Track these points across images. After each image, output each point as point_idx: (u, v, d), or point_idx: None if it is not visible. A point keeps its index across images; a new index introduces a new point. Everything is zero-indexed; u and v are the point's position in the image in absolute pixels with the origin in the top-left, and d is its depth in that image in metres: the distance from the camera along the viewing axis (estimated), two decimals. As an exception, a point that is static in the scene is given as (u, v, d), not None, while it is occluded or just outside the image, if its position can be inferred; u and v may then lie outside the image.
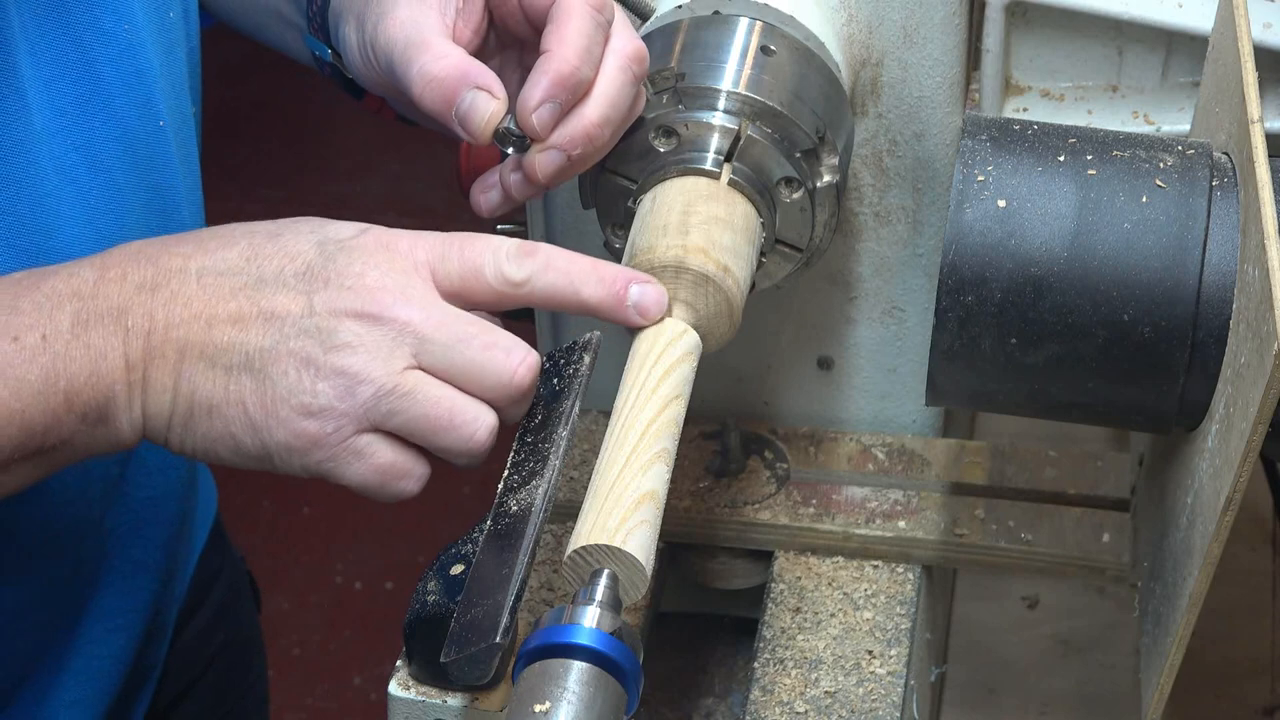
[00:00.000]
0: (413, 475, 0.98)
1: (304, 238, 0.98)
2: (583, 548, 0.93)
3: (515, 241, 0.98)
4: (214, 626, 1.46)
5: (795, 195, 1.11)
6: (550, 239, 1.31)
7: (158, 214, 1.18)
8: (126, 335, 0.95)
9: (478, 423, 0.96)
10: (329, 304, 0.95)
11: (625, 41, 1.05)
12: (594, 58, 1.03)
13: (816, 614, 1.22)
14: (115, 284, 0.95)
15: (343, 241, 0.97)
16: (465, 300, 0.98)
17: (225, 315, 0.95)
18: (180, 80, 1.21)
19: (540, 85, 1.02)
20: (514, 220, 1.32)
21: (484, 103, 1.03)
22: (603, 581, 0.92)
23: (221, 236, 0.98)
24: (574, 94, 1.03)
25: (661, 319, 1.03)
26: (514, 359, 0.97)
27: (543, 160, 1.04)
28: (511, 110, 1.04)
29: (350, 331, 0.94)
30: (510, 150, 1.05)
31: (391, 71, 1.06)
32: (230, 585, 1.49)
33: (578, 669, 0.89)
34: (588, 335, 1.05)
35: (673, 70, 1.09)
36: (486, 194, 1.10)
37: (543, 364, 1.05)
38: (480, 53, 1.10)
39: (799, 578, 1.25)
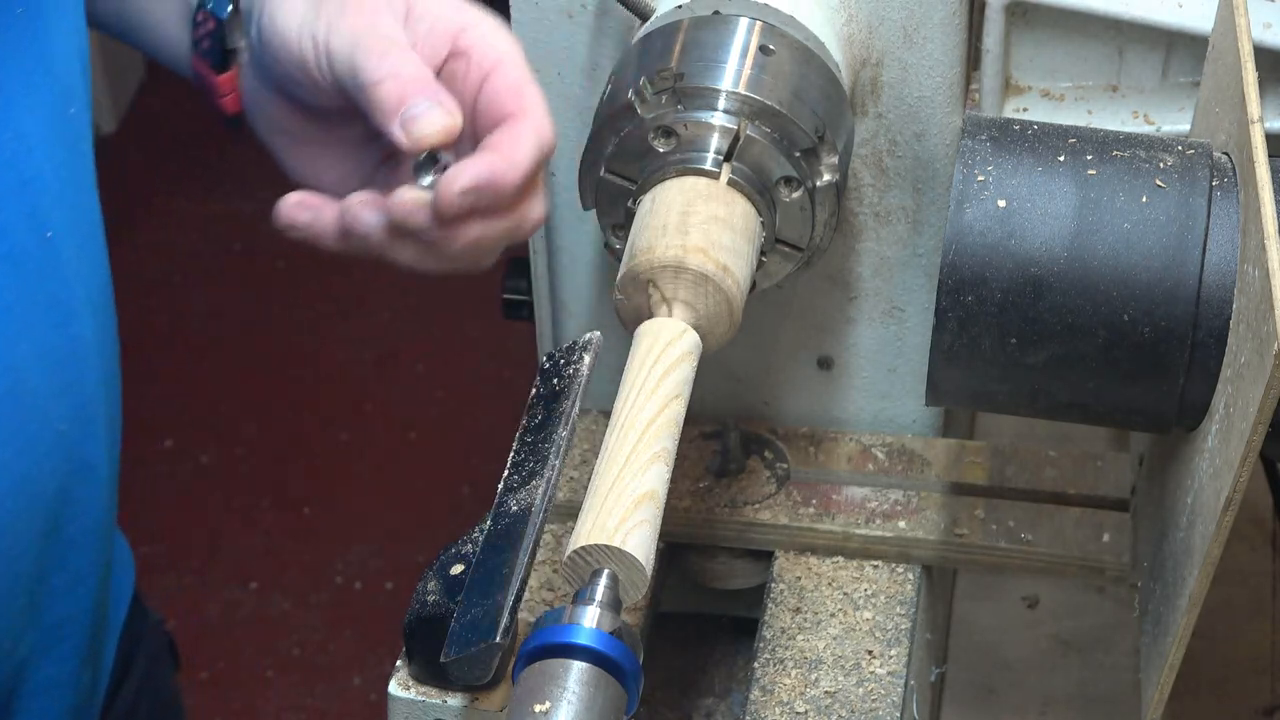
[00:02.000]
0: None
1: None
2: (582, 548, 0.93)
3: None
4: (138, 700, 1.40)
5: (795, 194, 1.11)
6: (550, 240, 1.31)
7: (51, 328, 1.11)
8: None
9: None
10: None
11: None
12: (528, 185, 1.02)
13: (816, 614, 1.22)
14: None
15: None
16: None
17: None
18: (85, 177, 1.14)
19: (480, 175, 0.99)
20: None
21: (440, 116, 1.00)
22: (603, 581, 0.92)
23: None
24: (493, 203, 1.01)
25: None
26: None
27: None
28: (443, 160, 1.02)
29: None
30: (418, 176, 1.02)
31: (341, 54, 1.02)
32: (152, 654, 1.44)
33: (578, 669, 0.89)
34: (588, 335, 1.05)
35: (672, 70, 1.09)
36: (305, 213, 1.05)
37: (543, 364, 1.05)
38: None
39: (799, 578, 1.25)
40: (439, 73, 1.05)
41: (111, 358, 1.19)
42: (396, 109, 1.00)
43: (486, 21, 1.06)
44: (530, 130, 1.02)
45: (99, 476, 1.17)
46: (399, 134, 1.00)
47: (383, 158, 1.11)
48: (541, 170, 1.04)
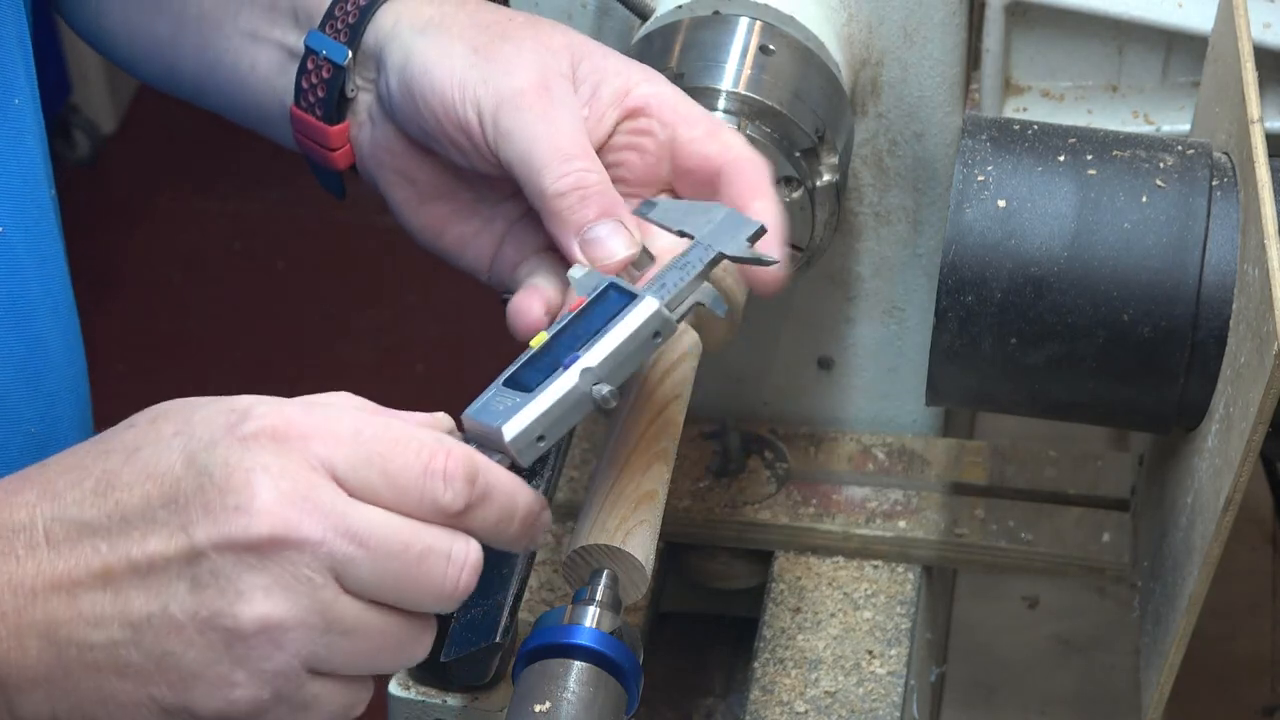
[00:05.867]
0: (363, 702, 0.84)
1: (167, 446, 0.79)
2: (582, 548, 0.93)
3: (455, 458, 0.82)
4: None
5: (795, 195, 1.11)
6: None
7: (11, 327, 1.05)
8: None
9: (416, 646, 0.83)
10: (215, 538, 0.77)
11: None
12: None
13: (816, 614, 1.22)
14: None
15: (215, 443, 0.79)
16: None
17: (89, 577, 0.77)
18: (34, 170, 1.07)
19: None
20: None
21: (623, 245, 0.95)
22: (603, 581, 0.92)
23: (71, 470, 0.80)
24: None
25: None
26: (454, 566, 0.81)
27: None
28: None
29: (252, 569, 0.77)
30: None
31: (515, 141, 0.96)
32: None
33: (578, 669, 0.89)
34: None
35: (672, 70, 1.09)
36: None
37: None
38: None
39: (799, 578, 1.25)
40: (611, 135, 1.00)
41: (76, 357, 1.14)
42: (579, 226, 0.95)
43: (650, 78, 1.02)
44: (758, 179, 0.99)
45: None
46: (578, 253, 0.95)
47: (518, 215, 1.05)
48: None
